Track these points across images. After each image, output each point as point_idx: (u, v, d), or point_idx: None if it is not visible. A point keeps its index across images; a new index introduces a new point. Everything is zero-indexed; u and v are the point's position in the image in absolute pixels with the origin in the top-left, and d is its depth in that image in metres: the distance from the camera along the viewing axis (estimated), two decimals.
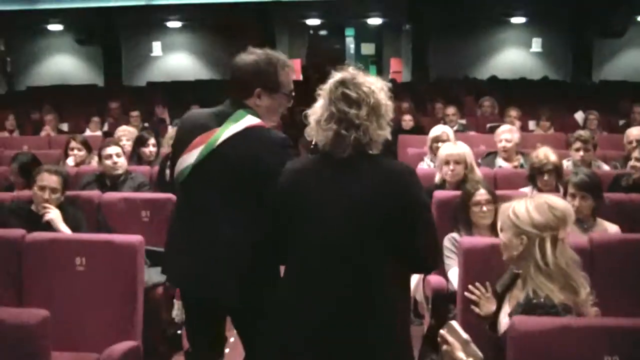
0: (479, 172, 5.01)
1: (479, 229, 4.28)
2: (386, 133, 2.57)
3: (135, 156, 6.40)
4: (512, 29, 19.22)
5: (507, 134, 6.27)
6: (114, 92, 15.35)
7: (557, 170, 5.00)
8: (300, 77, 18.53)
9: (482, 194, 4.26)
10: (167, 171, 4.56)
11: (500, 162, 6.20)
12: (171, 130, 7.69)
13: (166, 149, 7.21)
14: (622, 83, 15.60)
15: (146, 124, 10.13)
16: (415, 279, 4.67)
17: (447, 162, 4.94)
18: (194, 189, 2.95)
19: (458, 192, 4.53)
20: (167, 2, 16.78)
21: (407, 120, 9.43)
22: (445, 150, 4.99)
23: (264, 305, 2.70)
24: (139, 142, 6.46)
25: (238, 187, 2.86)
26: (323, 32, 23.44)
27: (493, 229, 4.23)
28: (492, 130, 9.53)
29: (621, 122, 9.74)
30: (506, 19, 18.72)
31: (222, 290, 2.88)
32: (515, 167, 6.22)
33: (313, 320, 2.48)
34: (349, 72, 2.59)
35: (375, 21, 19.75)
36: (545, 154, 5.02)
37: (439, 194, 4.56)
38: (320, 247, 2.49)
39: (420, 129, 9.37)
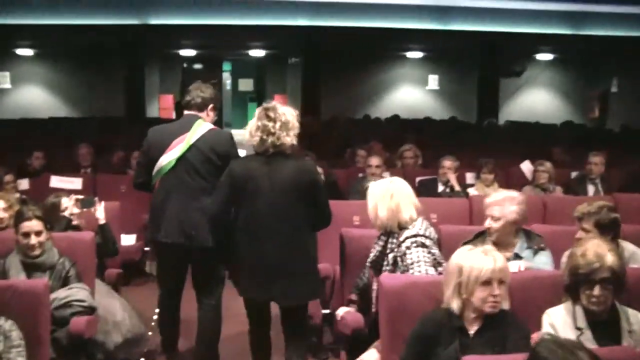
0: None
1: None
2: (292, 140, 4.03)
3: None
4: (408, 64, 17.74)
5: (496, 207, 4.12)
6: None
7: (618, 279, 3.16)
8: (173, 115, 16.20)
9: None
10: None
11: None
12: None
13: None
14: (537, 125, 14.14)
15: None
16: None
17: (486, 283, 2.96)
18: (178, 172, 4.45)
19: None
20: (14, 21, 13.89)
21: None
22: (482, 262, 3.04)
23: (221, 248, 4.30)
24: None
25: (208, 166, 4.45)
26: (198, 66, 21.16)
27: None
28: (423, 185, 7.65)
29: (574, 174, 7.93)
30: (402, 54, 17.22)
31: (197, 238, 4.44)
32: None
33: (262, 252, 3.98)
34: (270, 103, 4.13)
35: (256, 53, 17.73)
36: (597, 252, 3.19)
37: None
38: (263, 210, 3.98)
39: (334, 186, 7.21)
